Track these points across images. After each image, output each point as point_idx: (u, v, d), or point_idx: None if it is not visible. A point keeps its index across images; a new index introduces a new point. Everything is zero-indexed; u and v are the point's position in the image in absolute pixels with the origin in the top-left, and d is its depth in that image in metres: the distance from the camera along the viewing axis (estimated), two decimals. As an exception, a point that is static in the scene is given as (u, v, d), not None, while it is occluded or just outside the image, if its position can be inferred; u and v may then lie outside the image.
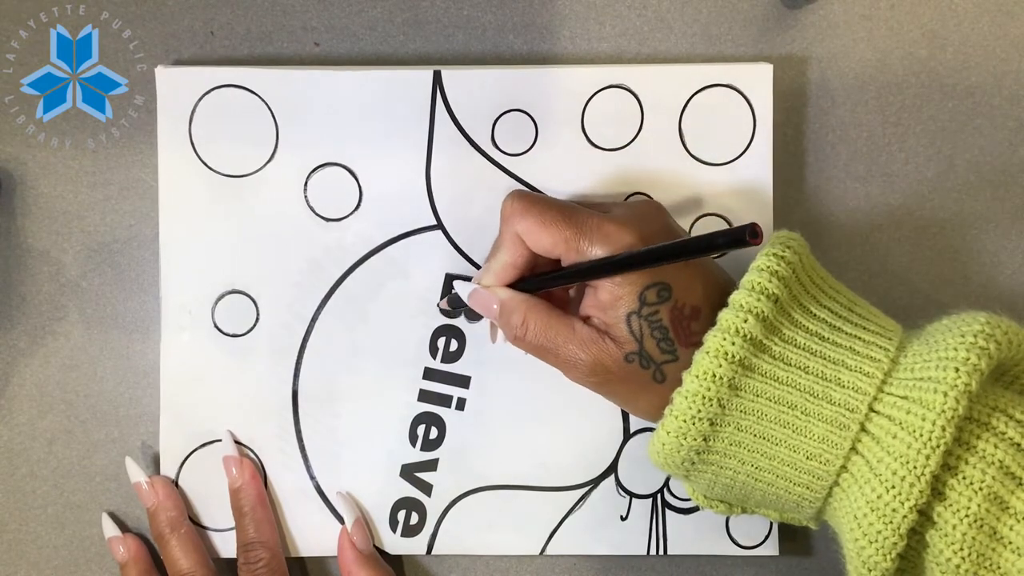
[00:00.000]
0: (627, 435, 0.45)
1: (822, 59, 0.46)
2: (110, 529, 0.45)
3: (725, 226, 0.45)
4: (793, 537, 0.46)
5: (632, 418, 0.45)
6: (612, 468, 0.45)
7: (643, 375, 0.37)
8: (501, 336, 0.41)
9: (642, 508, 0.45)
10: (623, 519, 0.45)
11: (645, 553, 0.45)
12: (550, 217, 0.38)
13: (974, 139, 0.46)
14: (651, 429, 0.45)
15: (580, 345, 0.37)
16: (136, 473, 0.44)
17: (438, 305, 0.45)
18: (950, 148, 0.46)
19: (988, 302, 0.46)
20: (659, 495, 0.45)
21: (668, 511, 0.45)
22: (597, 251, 0.37)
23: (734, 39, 0.46)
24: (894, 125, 0.46)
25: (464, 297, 0.42)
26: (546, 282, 0.39)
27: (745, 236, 0.31)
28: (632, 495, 0.45)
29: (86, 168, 0.46)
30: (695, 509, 0.45)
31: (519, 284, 0.40)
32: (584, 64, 0.45)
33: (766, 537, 0.45)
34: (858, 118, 0.46)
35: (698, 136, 0.44)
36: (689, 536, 0.45)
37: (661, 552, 0.45)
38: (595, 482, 0.45)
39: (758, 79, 0.44)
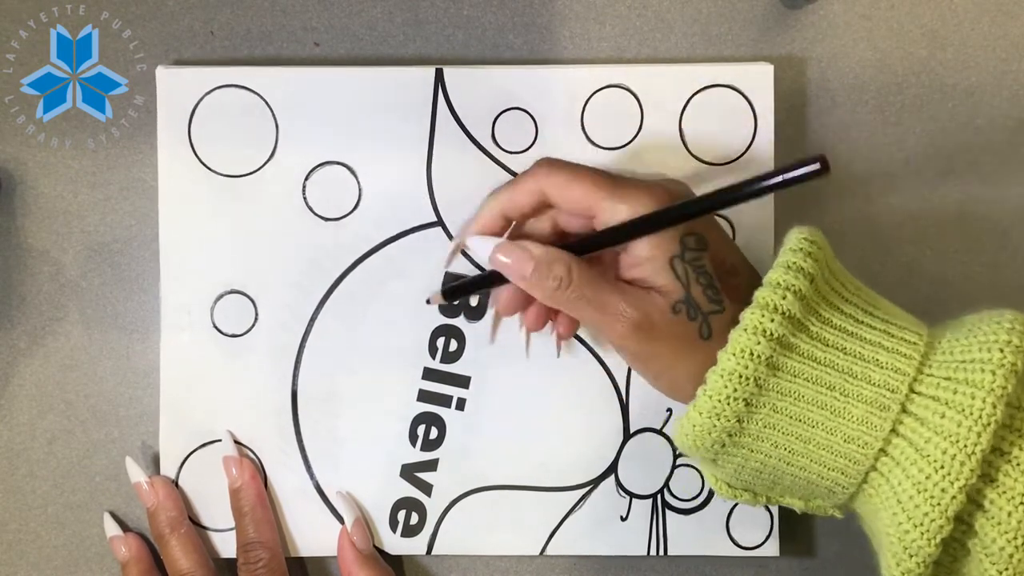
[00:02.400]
0: (627, 435, 0.45)
1: (822, 59, 0.46)
2: (112, 528, 0.45)
3: (726, 226, 0.44)
4: (793, 537, 0.46)
5: (632, 418, 0.45)
6: (612, 468, 0.45)
7: (689, 329, 0.36)
8: (499, 336, 0.41)
9: (642, 508, 0.45)
10: (623, 519, 0.45)
11: (645, 553, 0.45)
12: (582, 172, 0.38)
13: (974, 139, 0.46)
14: (652, 429, 0.45)
15: (626, 299, 0.36)
16: (136, 473, 0.44)
17: (428, 300, 0.44)
18: (950, 148, 0.46)
19: (989, 302, 0.45)
20: (659, 495, 0.45)
21: (668, 511, 0.45)
22: (627, 208, 0.36)
23: (734, 39, 0.46)
24: (894, 125, 0.46)
25: (481, 254, 0.39)
26: (592, 244, 0.38)
27: (816, 164, 0.31)
28: (632, 495, 0.45)
29: (86, 168, 0.46)
30: (695, 509, 0.45)
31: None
32: (584, 64, 0.45)
33: (766, 537, 0.45)
34: (858, 118, 0.46)
35: (699, 136, 0.44)
36: (689, 536, 0.45)
37: (661, 552, 0.45)
38: (595, 482, 0.45)
39: (758, 79, 0.44)
